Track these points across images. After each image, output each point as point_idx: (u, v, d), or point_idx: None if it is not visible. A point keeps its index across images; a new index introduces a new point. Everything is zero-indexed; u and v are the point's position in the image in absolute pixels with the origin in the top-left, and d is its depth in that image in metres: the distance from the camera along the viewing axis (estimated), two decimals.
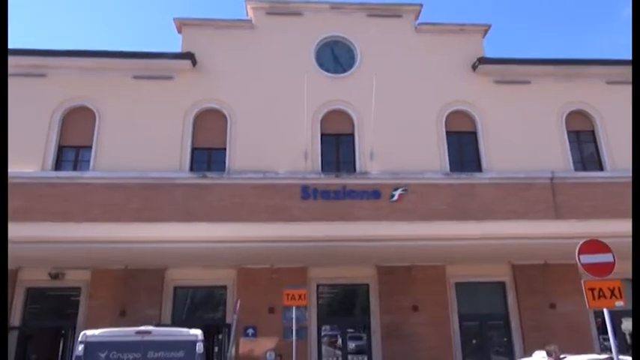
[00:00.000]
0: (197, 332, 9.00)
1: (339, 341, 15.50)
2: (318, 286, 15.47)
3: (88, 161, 16.09)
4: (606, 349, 12.81)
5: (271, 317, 14.44)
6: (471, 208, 15.67)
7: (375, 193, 15.92)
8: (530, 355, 10.93)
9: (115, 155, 15.96)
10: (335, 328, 15.78)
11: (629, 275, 15.44)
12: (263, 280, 14.66)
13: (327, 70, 17.74)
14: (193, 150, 16.55)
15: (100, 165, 15.91)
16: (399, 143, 16.70)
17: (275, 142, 16.49)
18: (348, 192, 15.91)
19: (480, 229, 13.03)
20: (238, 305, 12.06)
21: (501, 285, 15.75)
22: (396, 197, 15.92)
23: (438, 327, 14.91)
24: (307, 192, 15.84)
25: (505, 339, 15.43)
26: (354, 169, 16.56)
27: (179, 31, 17.90)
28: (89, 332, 8.79)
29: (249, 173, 15.93)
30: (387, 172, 16.28)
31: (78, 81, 16.63)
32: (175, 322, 14.00)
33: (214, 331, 17.39)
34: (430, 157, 16.75)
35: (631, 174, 16.54)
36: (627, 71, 18.19)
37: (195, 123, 16.85)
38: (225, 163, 16.36)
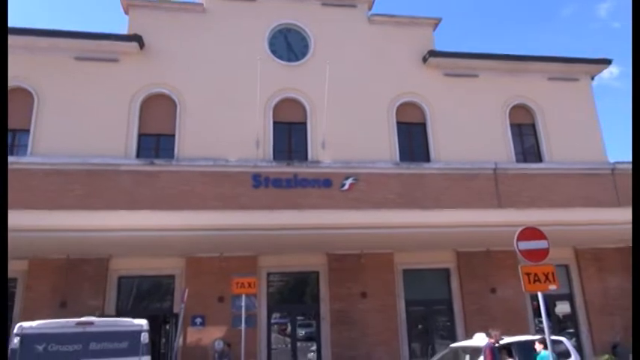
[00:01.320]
0: (142, 322, 8.81)
1: (289, 329, 15.59)
2: (268, 274, 15.47)
3: (26, 146, 15.25)
4: (541, 330, 13.57)
5: (220, 306, 14.33)
6: (419, 198, 16.09)
7: (326, 182, 16.03)
8: (472, 337, 11.41)
9: (56, 140, 15.20)
10: (285, 316, 15.86)
11: (562, 261, 16.56)
12: (212, 268, 14.50)
13: (280, 58, 17.60)
14: (140, 136, 16.03)
15: (38, 150, 15.11)
16: (351, 133, 16.86)
17: (226, 129, 16.24)
18: (300, 180, 15.94)
19: (427, 218, 13.44)
20: (186, 294, 11.88)
21: (446, 271, 16.35)
22: (346, 186, 16.10)
23: (385, 313, 15.30)
24: (258, 180, 15.73)
25: (449, 323, 16.05)
26: (306, 158, 16.59)
27: (126, 13, 17.20)
28: (25, 324, 8.41)
29: (198, 160, 15.62)
30: (338, 161, 16.41)
31: (13, 60, 15.67)
32: (120, 313, 13.61)
33: (161, 321, 17.06)
34: (381, 147, 17.03)
35: (571, 166, 17.70)
36: (566, 68, 19.19)
37: (142, 108, 16.30)
38: (173, 149, 15.96)
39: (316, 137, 16.73)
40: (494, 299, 15.78)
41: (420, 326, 16.17)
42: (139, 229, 12.07)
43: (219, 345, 13.86)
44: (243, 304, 11.47)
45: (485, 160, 17.30)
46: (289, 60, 17.66)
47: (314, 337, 15.41)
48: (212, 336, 14.12)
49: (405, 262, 15.95)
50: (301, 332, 15.83)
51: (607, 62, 19.45)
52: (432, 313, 16.40)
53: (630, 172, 18.11)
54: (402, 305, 15.71)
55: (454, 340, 14.03)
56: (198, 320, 14.24)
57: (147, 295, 15.18)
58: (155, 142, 16.20)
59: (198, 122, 16.22)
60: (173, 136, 16.15)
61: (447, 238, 14.71)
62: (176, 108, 16.44)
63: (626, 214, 14.80)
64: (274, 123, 16.82)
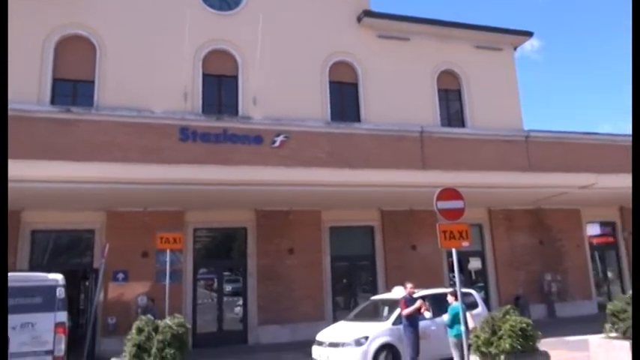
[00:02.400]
0: (57, 277, 8.43)
1: (216, 284, 15.63)
2: (195, 229, 15.26)
3: None
4: (454, 284, 14.58)
5: (144, 261, 14.02)
6: (348, 157, 16.35)
7: (256, 139, 15.83)
8: (391, 291, 12.05)
9: None
10: (212, 272, 15.84)
11: (477, 221, 17.71)
12: (136, 223, 14.04)
13: (212, 7, 16.75)
14: (55, 81, 14.82)
15: None
16: (283, 90, 16.63)
17: (151, 79, 15.41)
18: (230, 136, 15.61)
19: (355, 177, 13.73)
20: (107, 249, 11.46)
21: (370, 229, 16.98)
22: (277, 143, 16.00)
23: (311, 268, 15.72)
24: (186, 134, 15.21)
25: (371, 278, 16.83)
26: (237, 113, 16.22)
27: None
28: None
29: (121, 110, 14.78)
30: (269, 117, 16.21)
31: None
32: (34, 269, 12.89)
33: (81, 277, 16.45)
34: (312, 105, 16.99)
35: (491, 132, 18.68)
36: (492, 38, 19.93)
37: (57, 50, 15.01)
38: (93, 97, 14.96)
39: (247, 92, 16.35)
40: (414, 255, 16.69)
41: (344, 281, 16.82)
42: (54, 180, 11.31)
43: (142, 300, 13.64)
44: (167, 259, 11.27)
45: (412, 123, 17.83)
46: (221, 9, 16.88)
47: (240, 292, 15.58)
48: (135, 291, 13.84)
49: (332, 219, 16.35)
50: (228, 287, 15.94)
51: (529, 34, 20.45)
52: (355, 269, 17.09)
53: (543, 140, 19.57)
54: (327, 261, 16.20)
55: (376, 294, 14.76)
56: (121, 276, 13.87)
57: (65, 250, 14.48)
58: (72, 89, 15.08)
59: (120, 69, 15.23)
60: (92, 82, 15.09)
61: (373, 197, 15.19)
62: (96, 52, 15.30)
63: (535, 179, 16.07)
64: (204, 75, 16.19)
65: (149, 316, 9.18)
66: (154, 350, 8.36)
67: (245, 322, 15.15)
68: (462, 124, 19.05)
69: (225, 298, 15.63)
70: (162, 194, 12.94)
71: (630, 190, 17.73)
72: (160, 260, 12.08)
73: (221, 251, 16.24)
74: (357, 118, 17.68)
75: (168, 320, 8.83)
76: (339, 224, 16.52)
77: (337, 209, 16.20)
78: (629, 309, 8.92)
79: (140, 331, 8.59)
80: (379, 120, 17.57)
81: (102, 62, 15.23)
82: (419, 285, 10.78)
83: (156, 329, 8.62)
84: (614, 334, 9.04)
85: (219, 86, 16.56)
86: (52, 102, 14.57)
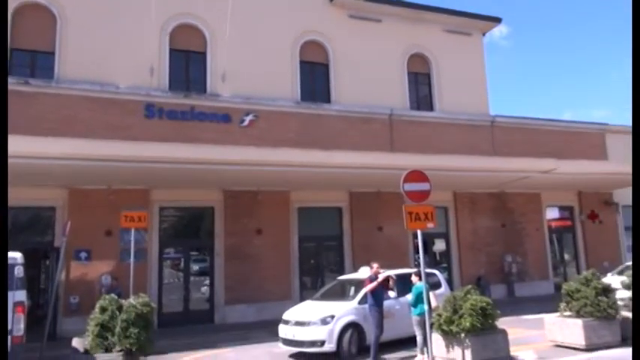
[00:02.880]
0: (15, 255, 8.17)
1: (182, 264, 15.49)
2: (161, 208, 15.02)
3: None
4: (419, 265, 14.90)
5: (108, 240, 13.74)
6: (318, 138, 16.32)
7: (225, 117, 15.58)
8: (357, 271, 12.23)
9: None
10: (178, 251, 15.67)
11: (443, 203, 18.07)
12: (99, 201, 13.70)
13: None
14: (11, 51, 14.13)
15: None
16: (253, 68, 16.37)
17: (116, 52, 14.88)
18: (197, 114, 15.31)
19: (324, 158, 13.75)
20: (68, 227, 11.11)
21: (338, 210, 17.11)
22: (246, 122, 15.81)
23: (279, 248, 15.76)
24: (152, 110, 14.83)
25: (338, 258, 17.02)
26: (205, 90, 15.90)
27: None
28: None
29: (83, 84, 14.25)
30: (238, 96, 15.96)
31: None
32: None
33: (42, 256, 15.99)
34: (282, 84, 16.81)
35: (458, 116, 18.97)
36: (461, 22, 20.09)
37: (13, 19, 14.27)
38: (53, 69, 14.35)
39: (216, 69, 16.01)
40: (381, 236, 16.94)
41: (312, 261, 16.96)
42: (13, 155, 10.79)
43: (106, 280, 13.42)
44: (132, 238, 11.06)
45: (382, 106, 17.91)
46: None
47: (207, 272, 15.50)
48: (99, 271, 13.59)
49: (301, 200, 16.37)
50: (195, 267, 15.83)
51: (497, 20, 20.74)
52: (323, 249, 17.24)
53: (507, 125, 20.03)
54: (295, 241, 16.27)
55: (343, 274, 14.94)
56: (83, 255, 13.56)
57: (24, 229, 14.00)
58: (30, 59, 14.43)
59: (82, 41, 14.64)
60: (52, 54, 14.47)
61: (342, 179, 15.27)
62: (56, 22, 14.63)
63: (499, 163, 16.48)
64: (171, 50, 15.74)
65: (113, 295, 9.05)
66: (117, 329, 8.27)
67: (212, 301, 15.12)
68: (431, 108, 19.26)
69: (191, 278, 15.53)
70: (127, 172, 12.64)
71: (588, 176, 18.47)
72: (125, 239, 11.85)
73: (188, 231, 16.06)
74: (327, 99, 17.62)
75: (132, 299, 8.74)
76: (308, 205, 16.57)
77: (306, 190, 16.22)
78: (583, 289, 9.36)
79: (103, 310, 8.47)
80: (349, 101, 17.57)
81: (63, 33, 14.59)
82: (385, 265, 10.95)
83: (120, 308, 8.52)
84: (568, 313, 9.49)
85: (187, 62, 16.16)
86: (9, 73, 13.90)
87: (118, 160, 11.65)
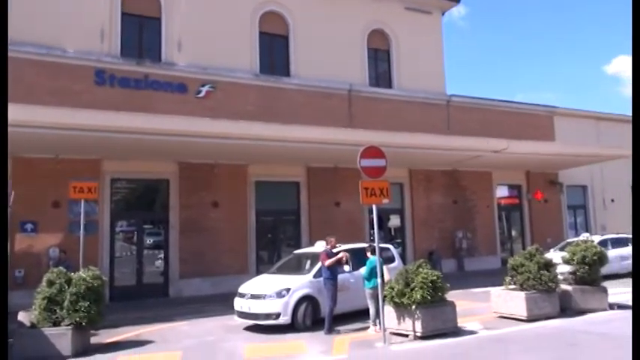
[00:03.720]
0: None
1: (135, 237, 15.14)
2: (112, 180, 14.54)
3: None
4: (374, 240, 15.21)
5: (56, 212, 13.22)
6: (277, 112, 16.14)
7: (180, 87, 15.12)
8: (313, 245, 12.34)
9: None
10: (132, 224, 15.29)
11: (398, 180, 18.40)
12: (46, 171, 13.10)
13: None
14: None
15: None
16: (210, 37, 15.89)
17: (64, 13, 14.05)
18: (151, 82, 14.77)
19: (282, 132, 13.64)
20: (12, 198, 10.61)
21: (296, 185, 17.11)
22: (203, 93, 15.41)
23: (236, 222, 15.66)
24: (103, 77, 14.19)
25: (295, 232, 17.10)
26: (159, 59, 15.33)
27: None
28: None
29: (26, 46, 13.40)
30: (194, 65, 15.48)
31: None
32: None
33: None
34: (241, 55, 16.42)
35: (416, 94, 19.18)
36: (423, 0, 20.13)
37: None
38: None
39: (171, 37, 15.44)
40: (338, 211, 17.12)
41: (269, 235, 16.97)
42: None
43: (54, 252, 12.96)
44: (82, 209, 10.66)
45: (341, 81, 17.85)
46: None
47: (162, 246, 15.24)
48: (46, 243, 13.09)
49: (258, 174, 16.25)
50: (149, 240, 15.52)
51: (456, 0, 20.92)
52: (280, 223, 17.28)
53: (463, 105, 20.47)
54: (252, 215, 16.20)
55: (300, 249, 15.04)
56: (29, 226, 13.01)
57: None
58: None
59: (28, 1, 13.69)
60: None
61: (300, 153, 15.24)
62: None
63: (454, 142, 16.88)
64: (123, 14, 15.02)
65: (61, 268, 8.77)
66: (66, 303, 8.06)
67: (166, 275, 14.92)
68: (389, 85, 19.37)
69: (145, 252, 15.24)
70: (75, 141, 12.10)
71: (536, 156, 19.21)
72: (74, 211, 11.42)
73: (141, 203, 15.67)
74: (286, 72, 17.38)
75: (82, 273, 8.51)
76: (265, 179, 16.47)
77: (264, 164, 16.10)
78: (527, 263, 9.84)
79: (51, 283, 8.23)
80: (309, 75, 17.40)
81: None
82: (341, 240, 11.10)
83: (69, 282, 8.29)
84: (512, 286, 9.96)
85: (140, 28, 15.48)
86: None
87: (66, 128, 11.12)
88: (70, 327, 7.97)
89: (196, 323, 10.52)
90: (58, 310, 8.09)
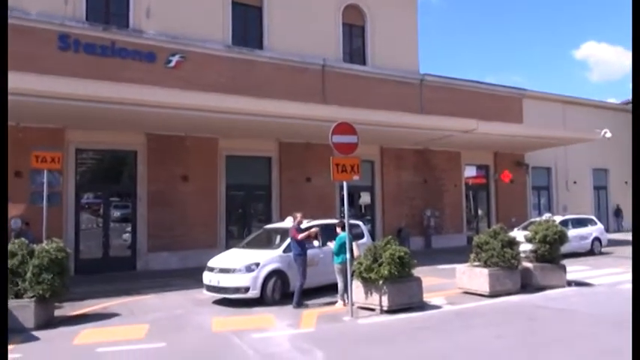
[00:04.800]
0: None
1: (102, 209, 14.81)
2: (77, 150, 14.11)
3: None
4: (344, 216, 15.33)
5: (17, 182, 12.72)
6: (249, 85, 15.87)
7: (149, 56, 14.66)
8: (284, 220, 12.35)
9: None
10: (98, 196, 14.94)
11: (370, 157, 18.50)
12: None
13: None
14: None
15: None
16: (181, 5, 15.40)
17: None
18: (118, 50, 14.26)
19: (255, 106, 13.43)
20: None
21: (268, 160, 17.00)
22: (173, 63, 14.99)
23: (206, 196, 15.50)
24: (67, 42, 13.60)
25: (266, 208, 17.06)
26: (127, 25, 14.77)
27: None
28: None
29: None
30: (164, 34, 15.01)
31: None
32: None
33: None
34: (213, 26, 15.99)
35: (389, 72, 19.16)
36: None
37: None
38: None
39: (140, 3, 14.87)
40: (309, 187, 17.14)
41: (239, 210, 16.88)
42: None
43: (16, 223, 12.59)
44: (45, 180, 10.33)
45: (315, 55, 17.65)
46: None
47: (129, 219, 14.97)
48: (8, 213, 12.64)
49: (230, 148, 16.06)
50: (116, 213, 15.22)
51: None
52: (251, 198, 17.20)
53: (435, 84, 20.60)
54: (223, 189, 16.05)
55: (269, 223, 15.03)
56: None
57: None
58: None
59: None
60: None
61: (272, 128, 15.09)
62: None
63: (426, 121, 17.01)
64: None
65: (23, 239, 8.52)
66: (28, 275, 7.88)
67: (134, 248, 14.72)
68: (363, 62, 19.27)
69: (112, 224, 14.96)
70: (38, 108, 11.63)
71: (504, 137, 19.58)
72: (36, 181, 11.01)
73: (108, 175, 15.29)
74: (259, 44, 17.05)
75: (45, 244, 8.30)
76: (237, 153, 16.29)
77: (235, 138, 15.90)
78: (491, 241, 10.12)
79: (13, 255, 8.01)
80: (282, 49, 17.12)
81: None
82: (312, 216, 11.15)
83: (31, 253, 8.09)
84: (476, 263, 10.25)
85: None
86: None
87: (27, 95, 10.64)
88: (32, 299, 7.80)
89: (164, 297, 10.45)
90: (20, 282, 7.90)
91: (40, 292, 7.81)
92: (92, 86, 11.50)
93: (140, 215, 14.73)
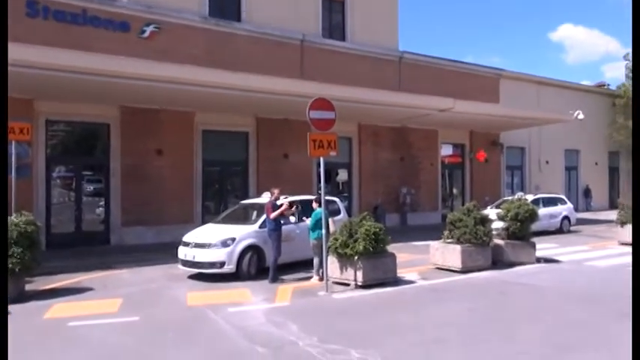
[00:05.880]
0: None
1: (74, 183, 14.49)
2: (48, 122, 13.69)
3: None
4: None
5: None
6: (226, 58, 15.55)
7: (123, 25, 14.19)
8: (260, 196, 12.31)
9: None
10: (70, 170, 14.61)
11: (347, 134, 18.49)
12: None
13: None
14: None
15: None
16: None
17: None
18: (90, 18, 13.75)
19: (232, 80, 13.21)
20: None
21: (245, 135, 16.82)
22: (147, 34, 14.55)
23: (181, 171, 15.31)
24: (35, 8, 13.04)
25: (243, 183, 16.96)
26: None
27: None
28: None
29: None
30: (138, 2, 14.52)
31: None
32: None
33: None
34: None
35: (369, 49, 19.00)
36: None
37: None
38: None
39: None
40: (286, 163, 17.07)
41: (216, 185, 16.74)
42: None
43: None
44: (13, 151, 10.01)
45: (294, 30, 17.37)
46: None
47: (103, 193, 14.71)
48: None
49: (206, 122, 15.82)
50: (89, 187, 14.92)
51: None
52: (228, 174, 17.07)
53: (414, 62, 20.56)
54: (199, 164, 15.87)
55: (245, 199, 14.94)
56: None
57: None
58: None
59: None
60: None
61: (250, 103, 14.89)
62: None
63: (404, 99, 17.02)
64: None
65: None
66: None
67: (107, 223, 14.51)
68: (343, 38, 19.07)
69: (85, 199, 14.68)
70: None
71: (481, 117, 19.79)
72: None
73: (80, 148, 14.93)
74: (237, 17, 16.67)
75: (14, 217, 8.10)
76: (213, 128, 16.07)
77: (212, 112, 15.66)
78: (464, 218, 10.30)
79: None
80: (260, 22, 16.79)
81: None
82: (289, 192, 11.13)
83: None
84: (450, 240, 10.44)
85: None
86: None
87: None
88: None
89: (138, 271, 10.38)
90: None
91: (10, 265, 7.64)
92: (63, 55, 11.10)
93: (114, 189, 14.48)
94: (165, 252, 11.85)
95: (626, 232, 13.89)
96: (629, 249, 12.85)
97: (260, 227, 9.80)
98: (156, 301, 7.97)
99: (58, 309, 7.40)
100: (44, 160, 13.60)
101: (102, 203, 14.74)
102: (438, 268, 10.25)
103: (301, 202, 10.71)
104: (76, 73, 11.10)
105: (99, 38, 13.73)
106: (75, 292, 8.45)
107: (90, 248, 13.45)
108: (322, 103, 8.70)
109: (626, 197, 15.72)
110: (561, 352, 5.26)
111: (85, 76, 11.27)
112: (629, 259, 11.40)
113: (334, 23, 19.06)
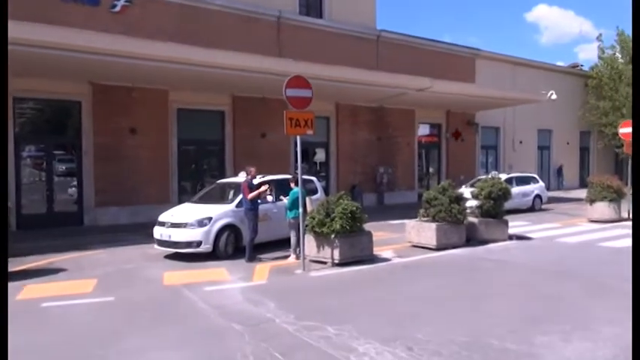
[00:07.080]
0: None
1: (45, 163, 14.13)
2: (16, 99, 13.23)
3: None
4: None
5: None
6: (199, 34, 15.19)
7: None
8: (237, 176, 12.22)
9: None
10: (40, 149, 14.21)
11: (325, 113, 18.43)
12: None
13: None
14: None
15: None
16: None
17: None
18: None
19: (206, 57, 12.92)
20: None
21: (221, 114, 16.60)
22: (118, 8, 14.10)
23: (156, 150, 15.05)
24: None
25: (219, 163, 16.79)
26: None
27: None
28: None
29: None
30: None
31: None
32: None
33: None
34: None
35: (346, 27, 18.80)
36: None
37: None
38: None
39: None
40: (264, 143, 16.94)
41: (192, 165, 16.54)
42: None
43: None
44: None
45: (270, 7, 17.06)
46: None
47: (75, 173, 14.38)
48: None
49: (181, 100, 15.53)
50: (61, 167, 14.56)
51: None
52: (204, 153, 16.87)
53: (392, 41, 20.48)
54: (174, 144, 15.63)
55: (222, 178, 14.82)
56: None
57: None
58: None
59: None
60: None
61: (225, 81, 14.66)
62: None
63: (381, 78, 16.98)
64: None
65: None
66: None
67: (80, 203, 14.23)
68: (320, 15, 18.83)
69: (56, 179, 14.33)
70: None
71: (457, 97, 19.92)
72: None
73: (51, 127, 14.50)
74: None
75: None
76: (189, 107, 15.79)
77: (186, 90, 15.36)
78: (440, 197, 10.45)
79: None
80: None
81: None
82: (266, 172, 11.08)
83: None
84: (425, 218, 10.59)
85: None
86: None
87: None
88: None
89: (114, 252, 10.25)
90: None
91: None
92: (30, 29, 10.62)
93: (86, 169, 14.17)
94: (140, 232, 11.73)
95: (595, 210, 14.38)
96: (598, 226, 13.36)
97: (237, 206, 9.76)
98: (132, 281, 7.91)
99: (31, 290, 7.28)
100: (13, 138, 13.16)
101: (74, 183, 14.42)
102: (413, 246, 10.41)
103: (278, 181, 10.70)
104: (44, 48, 10.70)
105: (68, 12, 13.23)
106: (48, 273, 8.32)
107: (63, 229, 13.20)
108: (299, 81, 8.61)
109: (594, 177, 16.16)
110: (534, 324, 5.44)
111: (53, 51, 10.87)
112: (597, 235, 11.84)
113: (311, 0, 18.77)
